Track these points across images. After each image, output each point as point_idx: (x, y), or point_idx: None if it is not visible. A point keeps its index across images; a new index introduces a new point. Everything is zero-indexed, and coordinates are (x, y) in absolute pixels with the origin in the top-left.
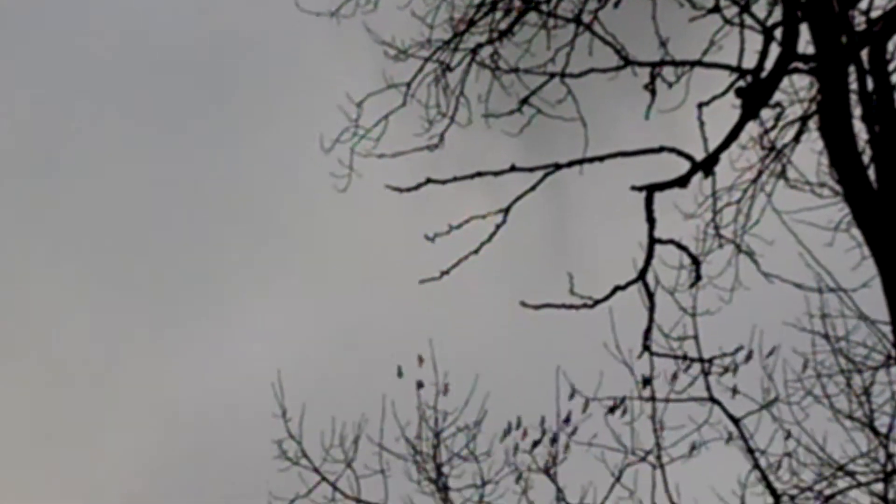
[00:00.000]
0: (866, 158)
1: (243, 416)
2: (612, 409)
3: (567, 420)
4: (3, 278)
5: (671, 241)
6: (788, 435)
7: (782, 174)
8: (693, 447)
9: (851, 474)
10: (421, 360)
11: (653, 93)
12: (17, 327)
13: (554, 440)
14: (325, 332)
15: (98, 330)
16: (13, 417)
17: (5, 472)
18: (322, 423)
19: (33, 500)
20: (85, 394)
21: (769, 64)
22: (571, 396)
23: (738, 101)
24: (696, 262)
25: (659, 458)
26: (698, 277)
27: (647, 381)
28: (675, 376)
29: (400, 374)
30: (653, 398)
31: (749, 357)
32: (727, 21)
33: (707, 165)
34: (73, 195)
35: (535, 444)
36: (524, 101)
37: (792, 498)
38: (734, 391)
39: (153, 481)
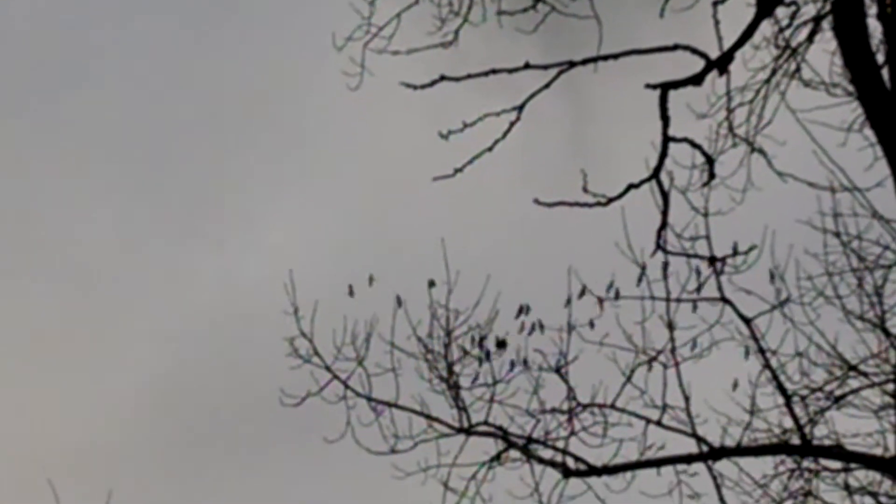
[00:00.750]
0: (881, 58)
1: (262, 319)
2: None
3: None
4: (26, 181)
5: (685, 140)
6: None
7: (796, 74)
8: (694, 344)
9: (863, 374)
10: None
11: None
12: (39, 230)
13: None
14: (337, 231)
15: (118, 234)
16: (35, 319)
17: (26, 373)
18: (334, 321)
19: (55, 398)
20: (106, 296)
21: None
22: (581, 295)
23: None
24: (709, 160)
25: (674, 354)
26: (712, 176)
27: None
28: (698, 273)
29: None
30: (667, 299)
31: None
32: None
33: (722, 63)
34: (94, 99)
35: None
36: None
37: (803, 398)
38: (746, 291)
39: (173, 382)
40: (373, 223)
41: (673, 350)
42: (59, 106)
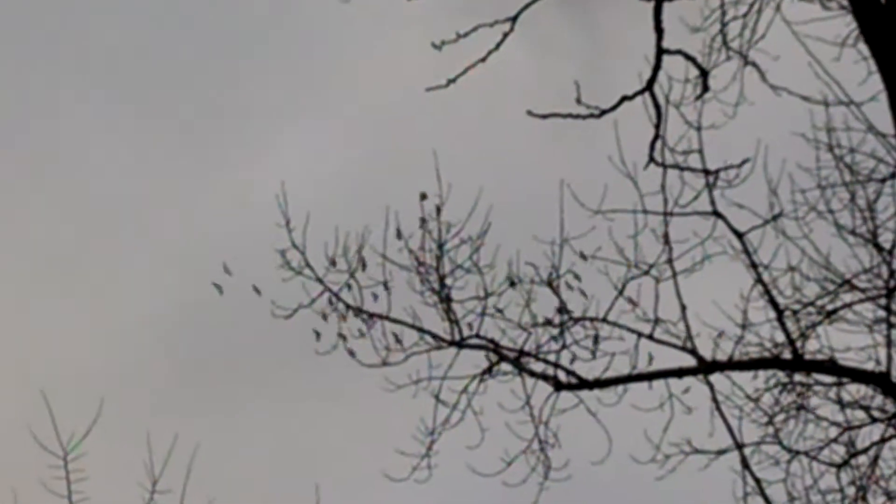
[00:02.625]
0: None
1: (268, 244)
2: None
3: None
4: (35, 107)
5: (679, 52)
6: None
7: None
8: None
9: (855, 288)
10: (424, 196)
11: None
12: (49, 158)
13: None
14: (331, 144)
15: (127, 159)
16: (42, 247)
17: (33, 299)
18: (325, 234)
19: (61, 327)
20: (114, 223)
21: None
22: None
23: None
24: (703, 72)
25: (672, 265)
26: (705, 88)
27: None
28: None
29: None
30: (660, 212)
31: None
32: None
33: None
34: (103, 25)
35: None
36: None
37: (794, 312)
38: (739, 205)
39: (182, 310)
40: (366, 134)
41: (669, 262)
42: (66, 32)
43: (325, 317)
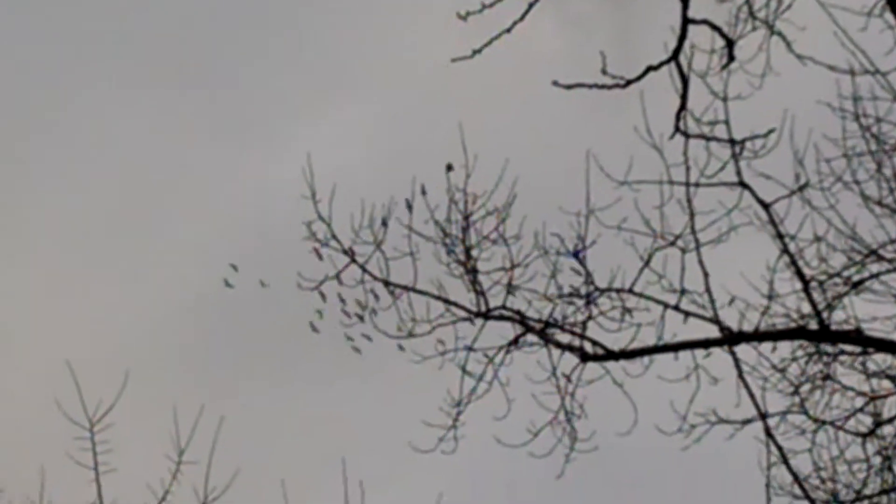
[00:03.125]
0: None
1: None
2: None
3: None
4: (65, 76)
5: (704, 21)
6: None
7: None
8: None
9: (882, 259)
10: (450, 168)
11: None
12: (81, 138)
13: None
14: (359, 118)
15: (159, 138)
16: (78, 217)
17: (65, 275)
18: (352, 205)
19: (92, 302)
20: (146, 201)
21: None
22: None
23: None
24: (728, 42)
25: (698, 238)
26: (731, 58)
27: None
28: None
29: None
30: (686, 183)
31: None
32: None
33: None
34: (133, 3)
35: None
36: None
37: (821, 283)
38: (765, 176)
39: (213, 287)
40: (397, 111)
41: (695, 233)
42: (98, 11)
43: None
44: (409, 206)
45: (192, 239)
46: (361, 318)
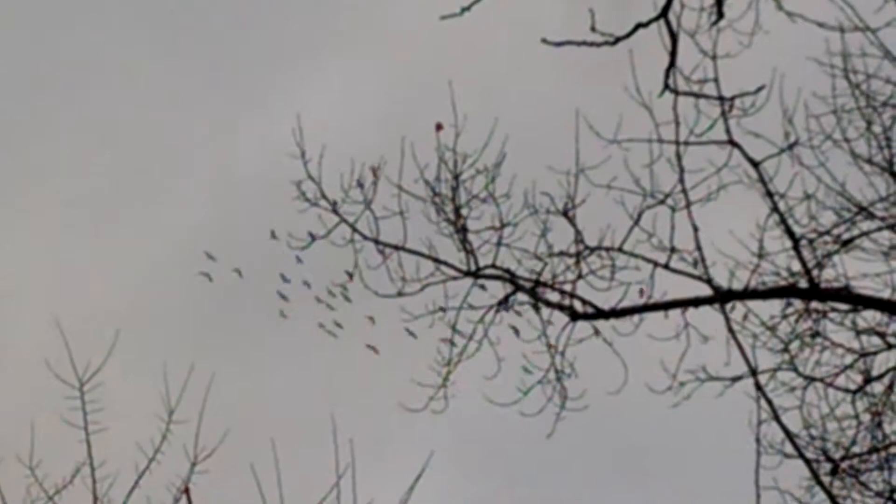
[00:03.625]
0: None
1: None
2: None
3: None
4: (67, 45)
5: None
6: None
7: None
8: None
9: (872, 216)
10: (439, 127)
11: None
12: (81, 96)
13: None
14: (352, 77)
15: (158, 97)
16: (74, 175)
17: (63, 236)
18: (341, 165)
19: (90, 263)
20: (145, 160)
21: None
22: None
23: None
24: None
25: (686, 196)
26: (720, 16)
27: None
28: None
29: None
30: (676, 142)
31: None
32: None
33: None
34: None
35: None
36: None
37: (810, 241)
38: (754, 134)
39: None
40: (385, 70)
41: (685, 192)
42: None
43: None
44: (361, 185)
45: (189, 199)
46: (331, 306)
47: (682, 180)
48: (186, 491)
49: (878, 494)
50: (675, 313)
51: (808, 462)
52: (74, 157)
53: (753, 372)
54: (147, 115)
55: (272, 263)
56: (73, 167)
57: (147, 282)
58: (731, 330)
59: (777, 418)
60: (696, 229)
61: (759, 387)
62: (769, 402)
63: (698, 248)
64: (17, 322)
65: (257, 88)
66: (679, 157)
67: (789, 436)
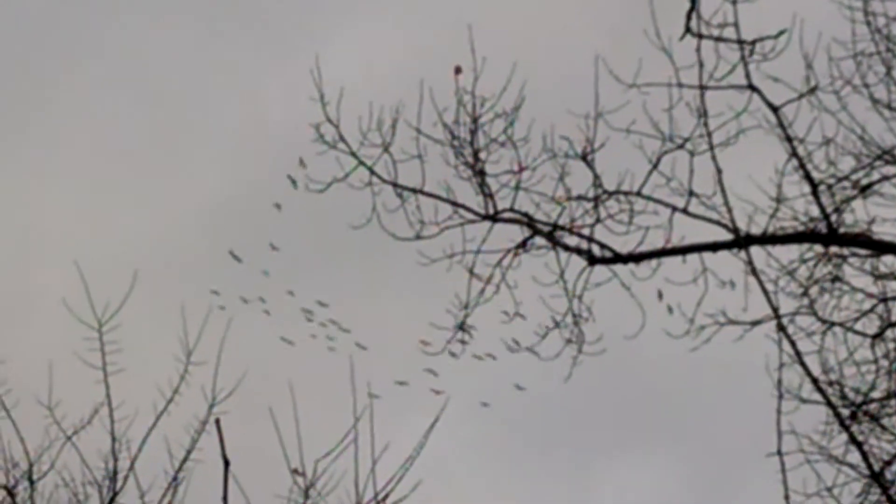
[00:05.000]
0: None
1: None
2: None
3: None
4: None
5: None
6: None
7: None
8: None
9: (892, 161)
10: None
11: None
12: (113, 48)
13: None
14: (374, 23)
15: (189, 48)
16: (107, 134)
17: (95, 184)
18: (360, 108)
19: (124, 209)
20: (176, 113)
21: None
22: None
23: None
24: None
25: (707, 141)
26: None
27: None
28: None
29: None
30: (696, 86)
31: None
32: None
33: None
34: None
35: None
36: None
37: (829, 187)
38: (774, 79)
39: (241, 194)
40: (404, 15)
41: (704, 136)
42: None
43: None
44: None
45: (222, 148)
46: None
47: (703, 125)
48: (217, 423)
49: None
50: (693, 258)
51: (830, 403)
52: (105, 109)
53: (776, 313)
54: (177, 63)
55: (294, 214)
56: (103, 119)
57: (172, 230)
58: (754, 271)
59: (800, 360)
60: (719, 171)
61: (781, 328)
62: (792, 343)
63: (722, 190)
64: (39, 266)
65: (285, 39)
66: (699, 101)
67: (812, 377)
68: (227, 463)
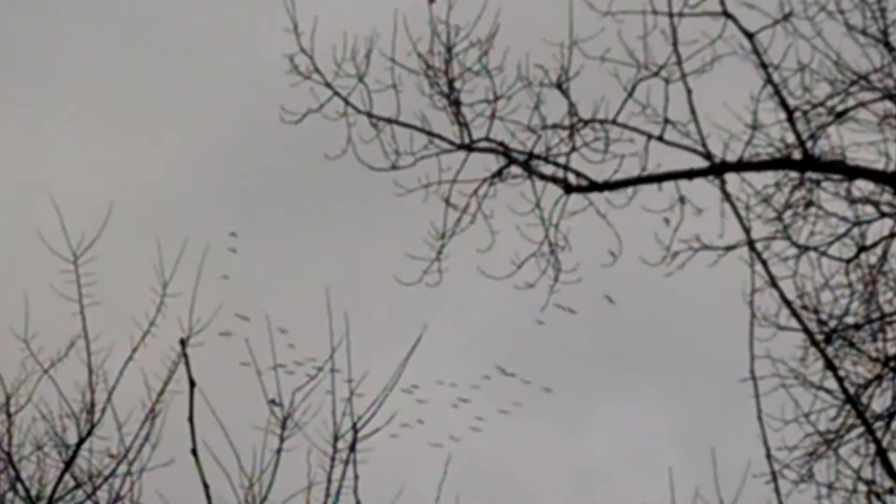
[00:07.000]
0: None
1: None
2: None
3: None
4: None
5: None
6: None
7: None
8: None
9: (867, 85)
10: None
11: None
12: None
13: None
14: None
15: None
16: (103, 77)
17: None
18: (333, 38)
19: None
20: (173, 56)
21: None
22: None
23: None
24: None
25: (682, 68)
26: None
27: None
28: None
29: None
30: (670, 13)
31: None
32: None
33: None
34: None
35: None
36: None
37: (805, 113)
38: (748, 5)
39: (238, 134)
40: None
41: (679, 64)
42: None
43: None
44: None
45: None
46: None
47: (676, 51)
48: (182, 342)
49: (874, 360)
50: (668, 186)
51: (805, 328)
52: (100, 52)
53: (749, 238)
54: (174, 6)
55: (287, 150)
56: (98, 63)
57: (179, 169)
58: (727, 197)
59: (774, 283)
60: (689, 91)
61: (754, 250)
62: (766, 266)
63: (693, 112)
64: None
65: None
66: (673, 28)
67: (786, 300)
68: (192, 384)
